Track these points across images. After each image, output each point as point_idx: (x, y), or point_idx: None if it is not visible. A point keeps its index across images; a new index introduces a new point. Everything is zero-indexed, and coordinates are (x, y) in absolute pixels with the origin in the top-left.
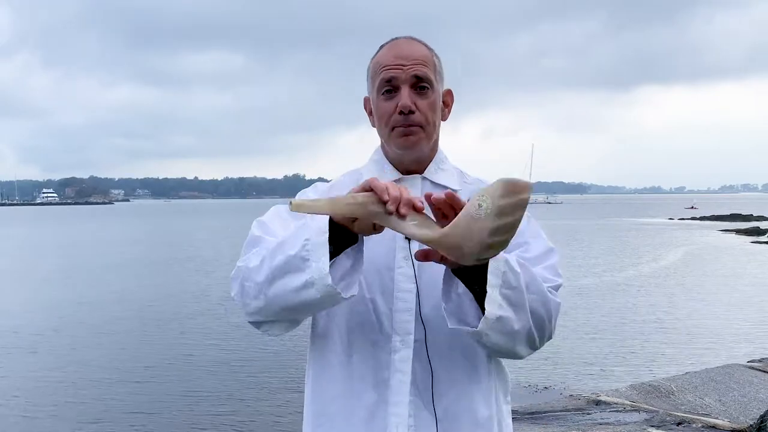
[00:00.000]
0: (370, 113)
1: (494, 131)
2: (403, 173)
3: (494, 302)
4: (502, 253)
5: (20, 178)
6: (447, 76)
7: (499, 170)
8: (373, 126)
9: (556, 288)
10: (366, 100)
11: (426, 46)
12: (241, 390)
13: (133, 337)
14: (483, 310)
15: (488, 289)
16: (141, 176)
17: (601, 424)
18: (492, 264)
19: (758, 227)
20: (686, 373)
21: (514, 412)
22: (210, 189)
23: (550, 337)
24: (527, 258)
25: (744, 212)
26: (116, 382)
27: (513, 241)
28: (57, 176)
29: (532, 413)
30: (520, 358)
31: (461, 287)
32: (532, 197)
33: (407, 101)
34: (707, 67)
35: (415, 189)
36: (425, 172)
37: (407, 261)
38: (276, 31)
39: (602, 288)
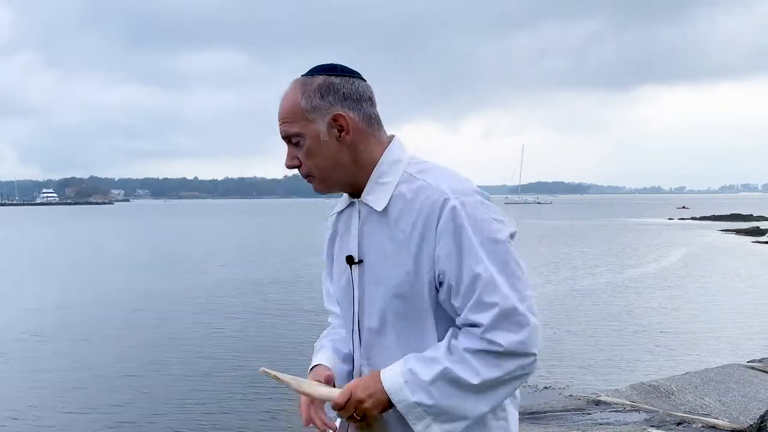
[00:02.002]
0: None
1: (494, 131)
2: (352, 194)
3: (422, 425)
4: (409, 372)
5: (20, 178)
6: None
7: (495, 170)
8: None
9: (496, 320)
10: None
11: (297, 87)
12: (228, 394)
13: (121, 340)
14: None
15: (413, 427)
16: (141, 176)
17: (601, 424)
18: (404, 409)
19: (758, 227)
20: (686, 373)
21: None
22: (210, 189)
23: (531, 372)
24: (455, 306)
25: (744, 212)
26: (102, 386)
27: (442, 267)
28: (57, 176)
29: (532, 413)
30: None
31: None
32: (522, 197)
33: (287, 161)
34: (709, 67)
35: (354, 216)
36: (363, 194)
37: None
38: (277, 31)
39: (602, 288)
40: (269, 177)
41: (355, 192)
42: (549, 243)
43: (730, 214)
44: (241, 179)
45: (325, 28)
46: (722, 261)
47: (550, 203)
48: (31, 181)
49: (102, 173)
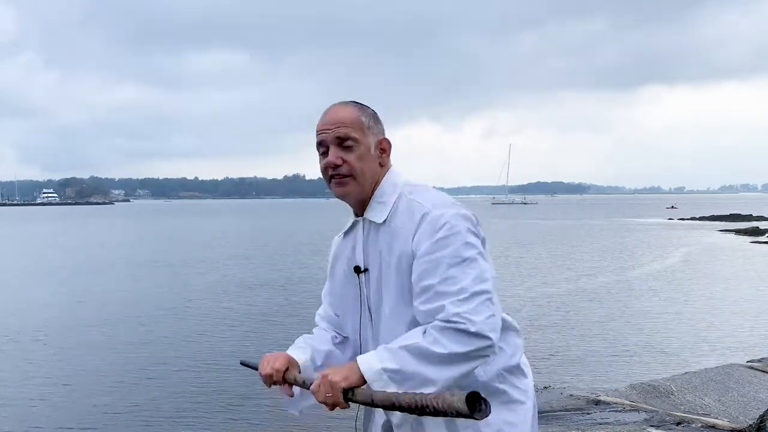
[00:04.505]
0: None
1: (496, 131)
2: (356, 214)
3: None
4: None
5: (20, 178)
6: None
7: (496, 170)
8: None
9: (462, 303)
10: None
11: (355, 106)
12: (222, 403)
13: (114, 342)
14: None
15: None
16: (141, 176)
17: (600, 424)
18: (371, 376)
19: (758, 227)
20: (686, 373)
21: None
22: (210, 189)
23: (488, 355)
24: (423, 298)
25: (743, 212)
26: (95, 387)
27: (417, 266)
28: (57, 176)
29: None
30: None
31: None
32: (509, 198)
33: (332, 158)
34: (711, 67)
35: (359, 233)
36: (365, 212)
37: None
38: (278, 31)
39: (602, 288)
40: (269, 177)
41: (359, 207)
42: (547, 243)
43: (730, 214)
44: (241, 179)
45: (326, 29)
46: (721, 261)
47: (536, 203)
48: (31, 181)
49: (102, 173)
